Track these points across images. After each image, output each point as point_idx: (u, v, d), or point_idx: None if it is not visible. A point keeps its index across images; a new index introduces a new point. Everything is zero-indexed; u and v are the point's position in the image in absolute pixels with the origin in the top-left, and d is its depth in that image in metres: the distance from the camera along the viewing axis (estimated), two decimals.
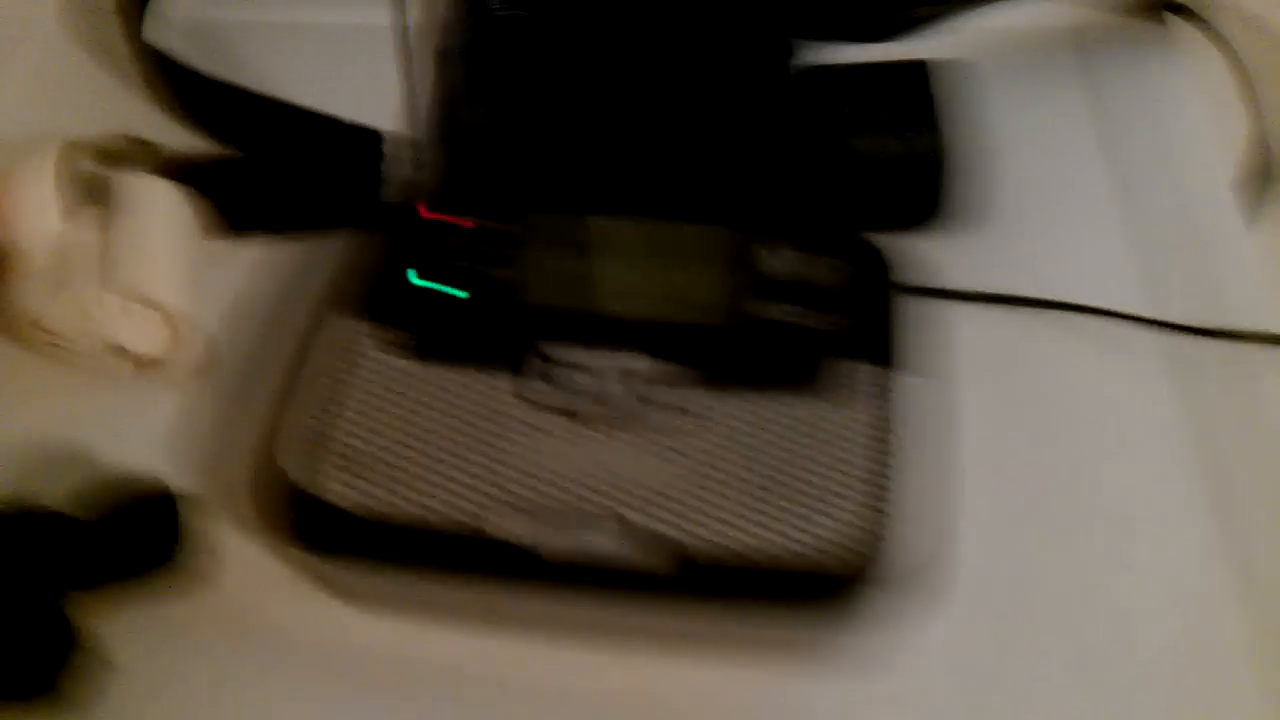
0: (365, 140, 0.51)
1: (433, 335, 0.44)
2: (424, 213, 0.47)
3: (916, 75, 0.53)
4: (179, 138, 0.54)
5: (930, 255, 0.49)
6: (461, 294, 0.45)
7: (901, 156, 0.50)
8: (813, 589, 0.39)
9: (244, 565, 0.43)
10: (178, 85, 0.55)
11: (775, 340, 0.44)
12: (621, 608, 0.40)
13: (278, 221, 0.51)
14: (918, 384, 0.43)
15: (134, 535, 0.40)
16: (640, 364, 0.43)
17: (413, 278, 0.46)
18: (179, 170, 0.48)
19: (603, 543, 0.39)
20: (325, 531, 0.40)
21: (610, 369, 0.43)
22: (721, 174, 0.51)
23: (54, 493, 0.42)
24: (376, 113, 0.53)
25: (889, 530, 0.39)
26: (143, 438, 0.46)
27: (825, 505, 0.40)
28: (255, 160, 0.50)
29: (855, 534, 0.39)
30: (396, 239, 0.47)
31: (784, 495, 0.40)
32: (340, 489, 0.40)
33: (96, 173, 0.47)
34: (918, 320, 0.45)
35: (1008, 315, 0.50)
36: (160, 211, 0.47)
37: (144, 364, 0.47)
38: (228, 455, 0.46)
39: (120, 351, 0.46)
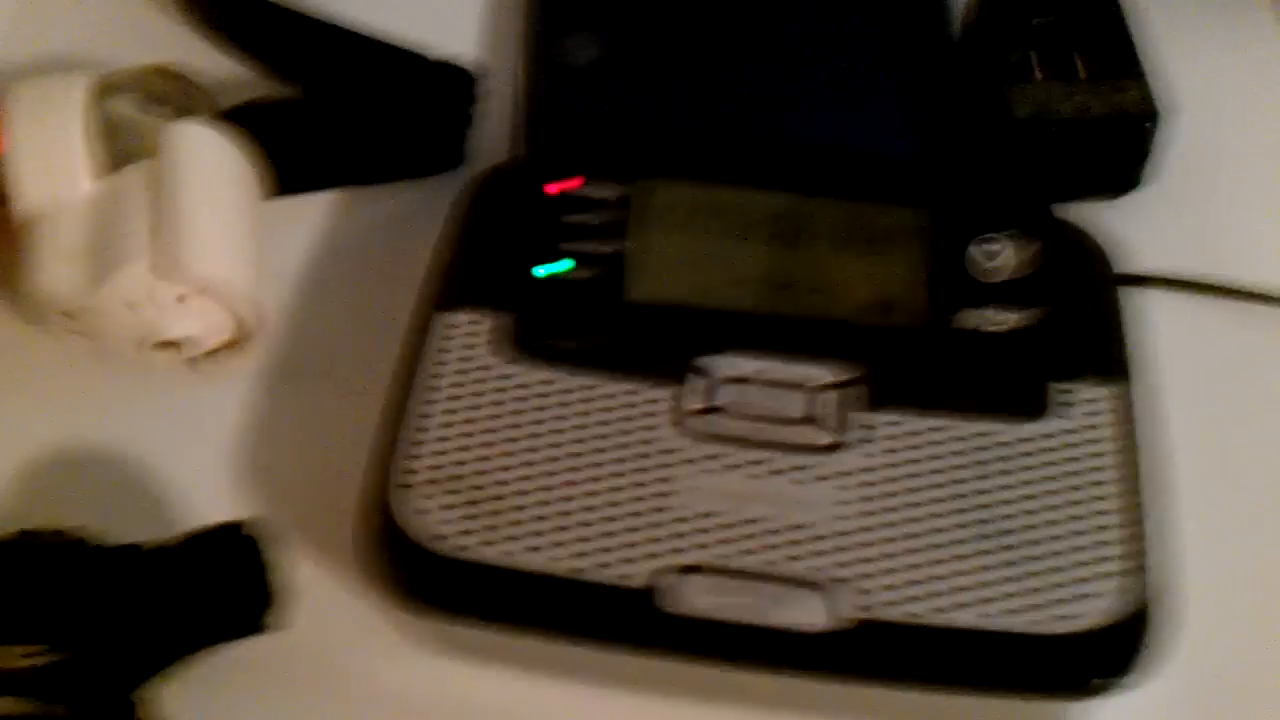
0: (453, 80, 0.42)
1: (566, 342, 0.36)
2: (550, 188, 0.38)
3: (1107, 10, 0.45)
4: (225, 69, 0.44)
5: (1118, 231, 0.41)
6: (599, 290, 0.37)
7: (1108, 116, 0.42)
8: (1077, 668, 0.32)
9: (342, 621, 0.36)
10: (225, 8, 0.45)
11: (991, 352, 0.36)
12: (802, 675, 0.33)
13: (346, 174, 0.42)
14: (1147, 400, 0.36)
15: (212, 594, 0.32)
16: (824, 376, 0.35)
17: (540, 271, 0.37)
18: (232, 115, 0.39)
19: (804, 618, 0.32)
20: (457, 593, 0.33)
21: (788, 386, 0.35)
22: (872, 133, 0.43)
23: (99, 524, 0.34)
24: (458, 41, 0.44)
25: (1155, 592, 0.32)
26: (201, 452, 0.38)
27: (1079, 565, 0.32)
28: (321, 101, 0.41)
29: (1118, 604, 0.32)
30: (512, 218, 0.38)
31: (1025, 554, 0.32)
32: (477, 543, 0.32)
33: (135, 117, 0.38)
34: (1133, 318, 0.37)
35: (1202, 301, 0.43)
36: (218, 170, 0.37)
37: (199, 358, 0.38)
38: (307, 476, 0.38)
39: (171, 346, 0.37)
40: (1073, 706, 0.33)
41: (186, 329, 0.37)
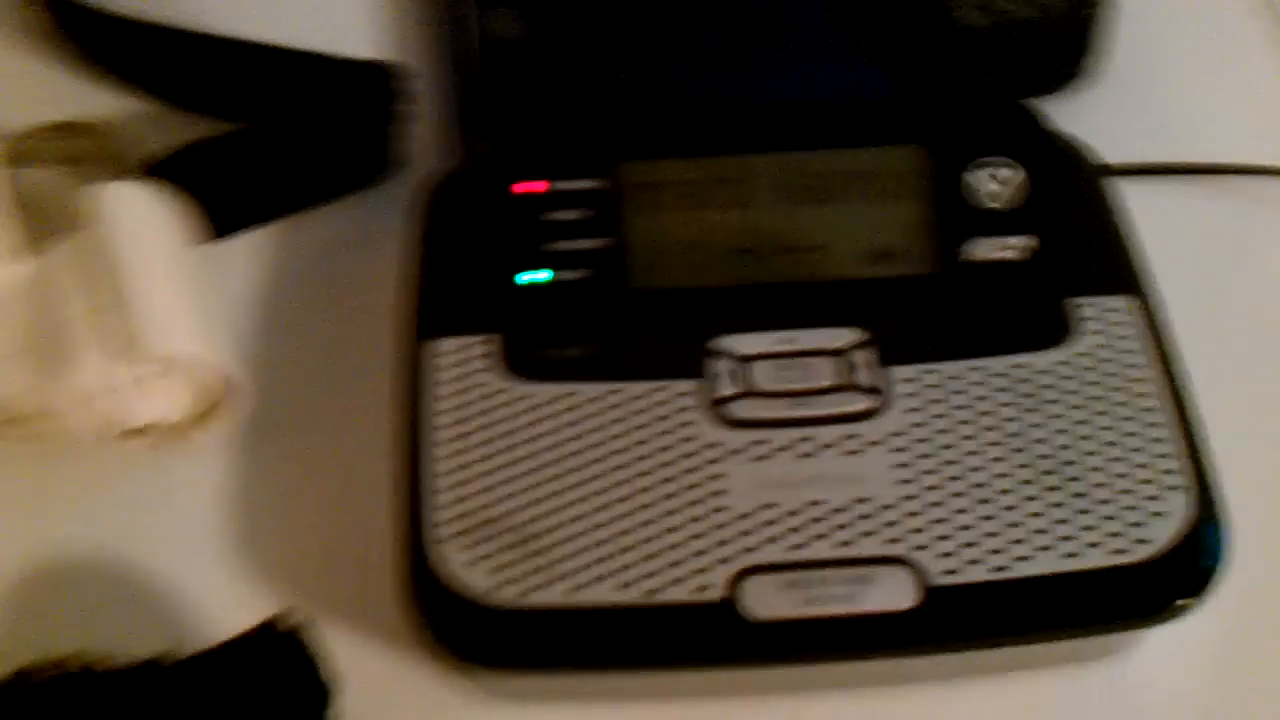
0: (371, 78, 0.39)
1: (572, 350, 0.33)
2: (529, 189, 0.35)
3: None
4: (130, 111, 0.40)
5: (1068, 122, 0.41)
6: (595, 287, 0.34)
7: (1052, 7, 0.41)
8: (1159, 592, 0.31)
9: (402, 691, 0.33)
10: (109, 39, 0.40)
11: (1007, 281, 0.35)
12: (895, 655, 0.32)
13: (281, 203, 0.38)
14: (1161, 303, 0.35)
15: (264, 705, 0.29)
16: (846, 338, 0.34)
17: (523, 279, 0.35)
18: (157, 167, 0.35)
19: (895, 598, 0.31)
20: (527, 647, 0.30)
21: (813, 354, 0.34)
22: (836, 79, 0.41)
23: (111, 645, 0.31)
24: (354, 39, 0.41)
25: (1219, 500, 0.32)
26: (190, 538, 0.34)
27: (1145, 485, 0.31)
28: (244, 131, 0.37)
29: (1188, 519, 0.31)
30: (482, 226, 0.35)
31: (1092, 484, 0.31)
32: (535, 588, 0.30)
33: (51, 184, 0.34)
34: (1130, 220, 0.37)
35: (1165, 186, 0.42)
36: (154, 231, 0.33)
37: (162, 436, 0.34)
38: (315, 540, 0.35)
39: (135, 431, 0.33)
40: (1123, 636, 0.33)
41: (151, 413, 0.33)
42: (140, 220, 0.33)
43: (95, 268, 0.32)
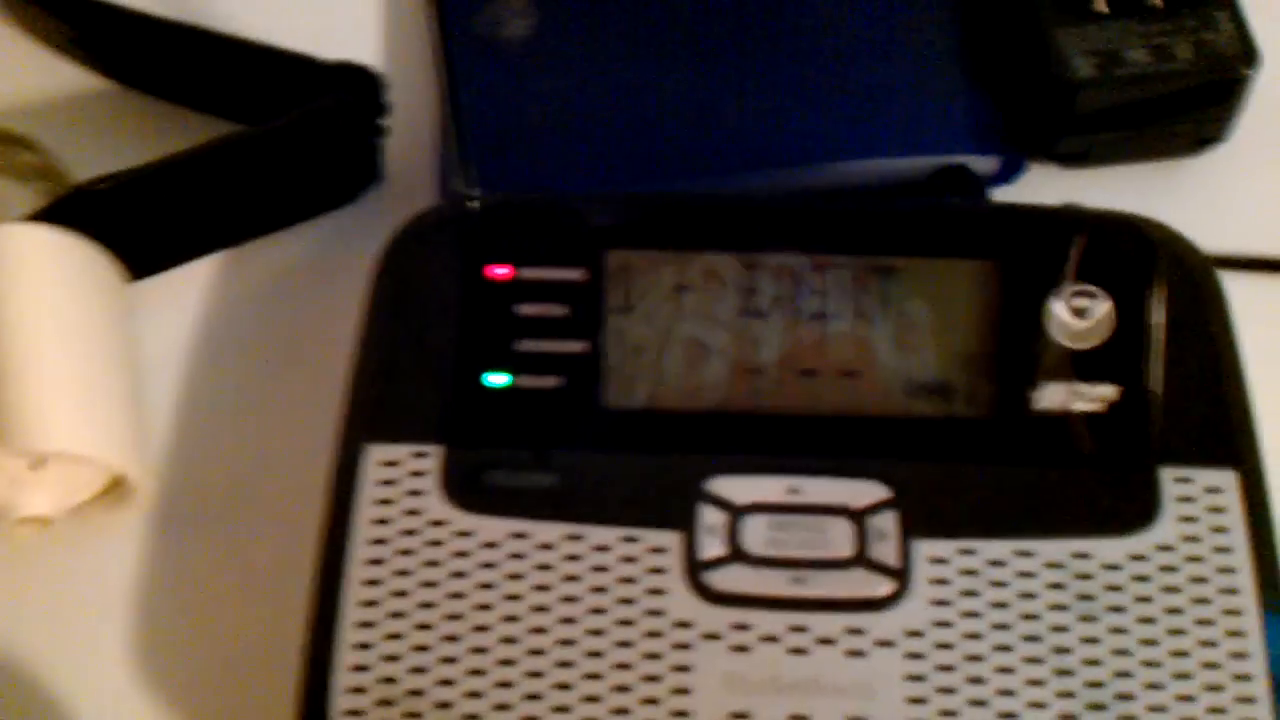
0: (354, 83, 0.32)
1: (524, 477, 0.27)
2: (496, 274, 0.29)
3: None
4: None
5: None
6: (557, 400, 0.28)
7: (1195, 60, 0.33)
8: None
9: None
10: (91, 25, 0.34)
11: (1077, 445, 0.28)
12: None
13: (241, 225, 0.32)
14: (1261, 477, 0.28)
15: None
16: (874, 494, 0.27)
17: (495, 383, 0.29)
18: (74, 203, 0.29)
19: None
20: None
21: (829, 511, 0.27)
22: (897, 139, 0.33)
23: None
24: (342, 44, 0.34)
25: None
26: (87, 637, 0.30)
27: None
28: (183, 158, 0.31)
29: None
30: (438, 306, 0.29)
31: None
32: None
33: None
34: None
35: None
36: (55, 283, 0.28)
37: (65, 519, 0.30)
38: (222, 665, 0.29)
39: (30, 521, 0.29)
40: None
41: (47, 502, 0.28)
42: (34, 269, 0.28)
43: None
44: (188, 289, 0.33)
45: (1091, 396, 0.28)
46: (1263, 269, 0.34)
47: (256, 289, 0.34)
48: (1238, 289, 0.30)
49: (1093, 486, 0.27)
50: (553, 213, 0.30)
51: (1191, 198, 0.35)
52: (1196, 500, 0.27)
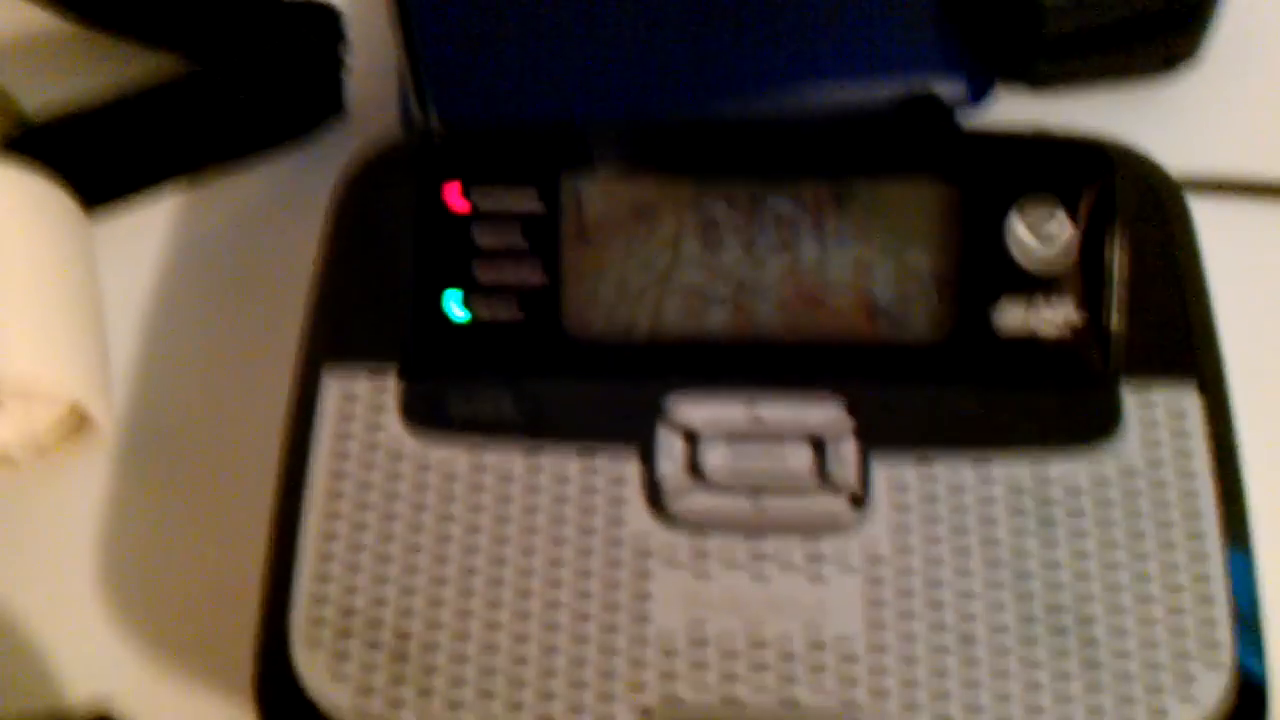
0: (315, 19, 0.32)
1: (482, 402, 0.27)
2: (454, 202, 0.29)
3: None
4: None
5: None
6: (532, 328, 0.28)
7: None
8: None
9: None
10: None
11: (1036, 366, 0.28)
12: None
13: (204, 152, 0.32)
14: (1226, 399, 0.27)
15: None
16: (833, 414, 0.27)
17: (454, 312, 0.28)
18: (31, 139, 0.29)
19: None
20: None
21: (790, 434, 0.27)
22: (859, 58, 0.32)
23: None
24: None
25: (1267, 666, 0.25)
26: (52, 576, 0.30)
27: (1180, 659, 0.25)
28: (141, 96, 0.30)
29: (1226, 695, 0.25)
30: (397, 234, 0.28)
31: (1113, 650, 0.25)
32: (411, 713, 0.25)
33: None
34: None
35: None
36: (16, 221, 0.27)
37: (27, 456, 0.30)
38: (188, 591, 0.30)
39: None
40: None
41: (5, 436, 0.28)
42: (6, 208, 0.27)
43: None
44: (151, 226, 0.33)
45: (1053, 318, 0.28)
46: (1234, 190, 0.33)
47: (220, 225, 0.33)
48: (1208, 212, 0.29)
49: (1054, 404, 0.27)
50: (510, 141, 0.29)
51: (1164, 120, 0.34)
52: (1159, 420, 0.27)
